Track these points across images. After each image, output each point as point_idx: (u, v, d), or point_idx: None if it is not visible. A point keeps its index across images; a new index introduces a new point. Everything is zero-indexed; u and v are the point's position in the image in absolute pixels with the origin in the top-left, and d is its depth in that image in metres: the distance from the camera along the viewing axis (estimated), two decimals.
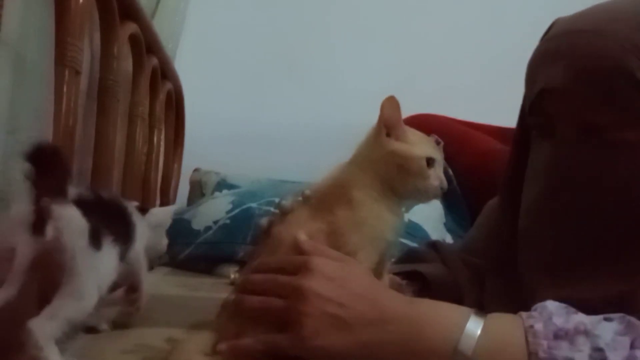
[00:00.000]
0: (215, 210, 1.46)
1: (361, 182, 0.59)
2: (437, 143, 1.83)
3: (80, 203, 0.53)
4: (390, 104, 0.59)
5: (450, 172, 1.61)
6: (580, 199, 0.52)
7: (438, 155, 0.61)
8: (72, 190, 0.55)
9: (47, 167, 0.50)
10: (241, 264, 1.26)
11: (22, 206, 0.50)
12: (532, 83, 0.56)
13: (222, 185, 1.73)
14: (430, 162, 0.59)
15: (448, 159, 1.82)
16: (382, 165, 0.59)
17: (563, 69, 0.52)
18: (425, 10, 2.08)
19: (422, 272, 0.72)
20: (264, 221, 0.62)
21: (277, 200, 1.41)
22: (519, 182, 0.62)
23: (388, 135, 0.60)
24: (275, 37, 2.02)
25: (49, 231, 0.49)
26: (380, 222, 0.58)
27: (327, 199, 0.59)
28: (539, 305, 0.47)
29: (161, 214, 0.81)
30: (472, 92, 1.96)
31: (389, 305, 0.49)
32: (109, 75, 1.00)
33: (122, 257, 0.63)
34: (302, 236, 0.55)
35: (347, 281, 0.50)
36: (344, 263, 0.53)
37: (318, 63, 2.03)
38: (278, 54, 2.02)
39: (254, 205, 1.47)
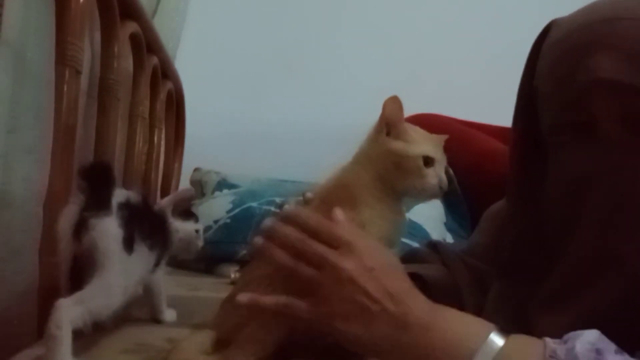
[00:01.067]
0: (215, 209, 1.46)
1: (363, 181, 0.59)
2: None
3: (125, 209, 0.62)
4: (393, 103, 0.59)
5: (451, 172, 1.62)
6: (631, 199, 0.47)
7: (438, 154, 0.60)
8: (122, 195, 0.63)
9: (95, 183, 0.60)
10: (241, 263, 1.26)
11: (70, 213, 0.60)
12: (568, 80, 0.51)
13: (223, 184, 1.73)
14: (428, 160, 0.59)
15: (448, 158, 1.82)
16: (380, 164, 0.59)
17: (613, 58, 0.47)
18: (425, 10, 2.08)
19: (420, 274, 0.72)
20: (266, 224, 0.61)
21: (277, 199, 1.41)
22: (528, 186, 0.59)
23: (388, 133, 0.60)
24: (275, 36, 2.02)
25: (85, 238, 0.58)
26: (384, 222, 0.58)
27: (331, 200, 0.59)
28: (571, 335, 0.44)
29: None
30: (472, 91, 1.96)
31: (413, 310, 0.48)
32: (109, 74, 1.00)
33: (158, 262, 0.71)
34: (341, 215, 0.54)
35: (383, 274, 0.50)
36: (384, 253, 0.53)
37: (318, 63, 2.03)
38: (278, 53, 2.02)
39: (254, 204, 1.47)
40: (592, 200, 0.49)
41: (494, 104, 1.83)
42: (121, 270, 0.60)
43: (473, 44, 2.04)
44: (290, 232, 0.53)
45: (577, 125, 0.51)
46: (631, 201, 0.47)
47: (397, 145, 0.59)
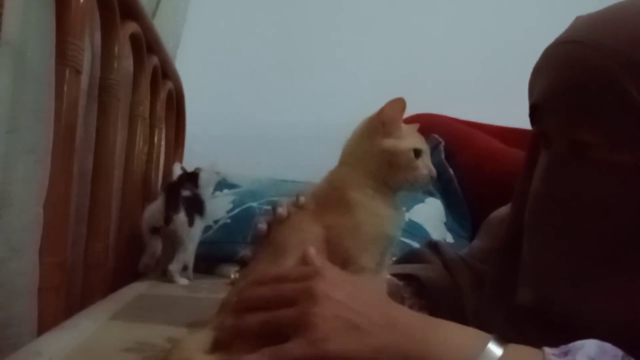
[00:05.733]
0: (215, 209, 1.46)
1: (355, 182, 0.59)
2: (438, 142, 1.83)
3: (185, 200, 1.19)
4: (395, 105, 0.60)
5: (451, 172, 1.62)
6: (561, 215, 0.51)
7: (424, 145, 0.61)
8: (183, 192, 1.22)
9: (171, 193, 1.20)
10: (241, 263, 1.26)
11: (155, 208, 1.20)
12: (530, 94, 0.55)
13: (223, 184, 1.73)
14: (417, 152, 0.60)
15: (449, 158, 1.83)
16: (372, 163, 0.59)
17: (551, 82, 0.50)
18: (426, 10, 2.08)
19: (417, 275, 0.72)
20: (261, 225, 0.61)
21: (277, 199, 1.41)
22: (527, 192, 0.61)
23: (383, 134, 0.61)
24: (275, 36, 2.02)
25: (170, 225, 1.16)
26: (380, 220, 0.58)
27: (324, 203, 0.59)
28: (571, 347, 0.43)
29: (206, 175, 1.33)
30: (472, 91, 1.96)
31: (401, 316, 0.47)
32: (109, 74, 1.00)
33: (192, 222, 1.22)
34: (313, 251, 0.53)
35: (358, 291, 0.48)
36: (356, 277, 0.52)
37: (319, 62, 2.03)
38: (279, 53, 2.02)
39: (254, 204, 1.47)
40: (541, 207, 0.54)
41: (494, 104, 1.84)
42: (190, 237, 1.19)
43: (473, 43, 2.04)
44: (257, 291, 0.51)
45: (539, 135, 0.56)
46: (573, 215, 0.50)
47: (389, 143, 0.59)
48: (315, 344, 0.45)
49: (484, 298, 0.64)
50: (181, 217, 1.15)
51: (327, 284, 0.48)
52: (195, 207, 1.21)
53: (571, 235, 0.50)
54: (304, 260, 0.53)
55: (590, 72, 0.47)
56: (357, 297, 0.48)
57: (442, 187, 1.62)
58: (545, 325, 0.52)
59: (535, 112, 0.55)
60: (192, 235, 1.18)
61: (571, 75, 0.49)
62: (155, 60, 1.33)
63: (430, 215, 1.49)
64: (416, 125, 0.64)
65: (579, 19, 0.53)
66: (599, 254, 0.49)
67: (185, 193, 1.21)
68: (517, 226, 0.59)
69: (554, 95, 0.50)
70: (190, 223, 1.17)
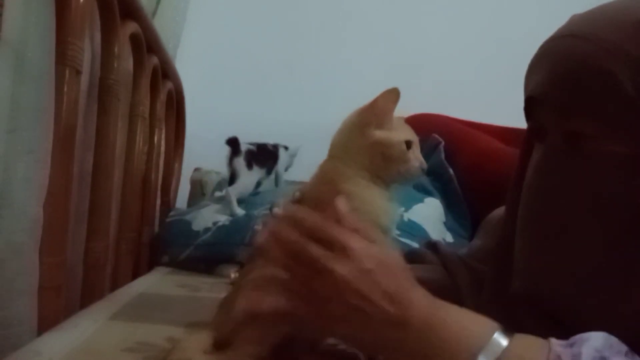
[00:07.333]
0: (215, 211, 1.46)
1: (346, 174, 0.59)
2: (438, 142, 1.83)
3: (248, 152, 1.50)
4: (388, 96, 0.59)
5: (451, 171, 1.61)
6: (556, 208, 0.51)
7: (414, 136, 0.61)
8: (245, 146, 1.51)
9: (235, 146, 1.49)
10: (241, 264, 1.26)
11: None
12: (525, 89, 0.56)
13: (223, 184, 1.73)
14: (408, 144, 0.59)
15: (449, 158, 1.82)
16: (364, 155, 0.59)
17: (546, 75, 0.51)
18: (426, 10, 2.08)
19: (417, 276, 0.72)
20: (259, 226, 0.61)
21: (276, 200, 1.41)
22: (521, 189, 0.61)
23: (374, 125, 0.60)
24: (275, 36, 2.02)
25: (233, 166, 1.48)
26: (373, 208, 0.58)
27: (318, 199, 0.59)
28: (577, 339, 0.43)
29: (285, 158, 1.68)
30: (472, 91, 1.96)
31: (413, 309, 0.47)
32: (109, 74, 1.00)
33: (269, 173, 1.58)
34: (344, 206, 0.52)
35: (380, 274, 0.48)
36: (382, 252, 0.51)
37: (319, 63, 2.03)
38: (278, 53, 2.02)
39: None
40: (534, 197, 0.54)
41: (494, 104, 1.84)
42: (246, 175, 1.48)
43: (473, 43, 2.04)
44: (289, 234, 0.52)
45: (533, 130, 0.56)
46: (563, 205, 0.51)
47: (381, 134, 0.59)
48: (323, 321, 0.50)
49: (483, 296, 0.64)
50: (241, 160, 1.46)
51: (350, 267, 0.48)
52: (262, 157, 1.53)
53: (567, 229, 0.50)
54: (338, 216, 0.52)
55: (586, 64, 0.47)
56: (376, 283, 0.48)
57: (442, 187, 1.62)
58: (541, 319, 0.52)
59: (530, 105, 0.55)
60: (249, 177, 1.48)
61: (567, 68, 0.49)
62: (155, 60, 1.33)
63: (429, 215, 1.49)
64: (403, 117, 0.64)
65: (574, 16, 0.53)
66: (596, 248, 0.48)
67: (250, 147, 1.54)
68: (513, 224, 0.59)
69: (549, 87, 0.51)
70: (249, 167, 1.48)
